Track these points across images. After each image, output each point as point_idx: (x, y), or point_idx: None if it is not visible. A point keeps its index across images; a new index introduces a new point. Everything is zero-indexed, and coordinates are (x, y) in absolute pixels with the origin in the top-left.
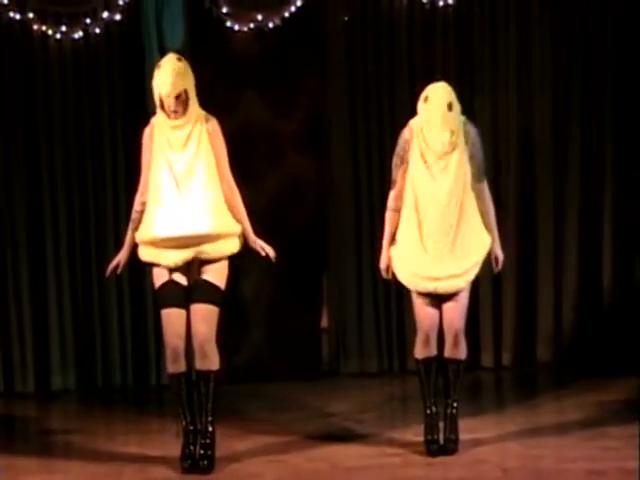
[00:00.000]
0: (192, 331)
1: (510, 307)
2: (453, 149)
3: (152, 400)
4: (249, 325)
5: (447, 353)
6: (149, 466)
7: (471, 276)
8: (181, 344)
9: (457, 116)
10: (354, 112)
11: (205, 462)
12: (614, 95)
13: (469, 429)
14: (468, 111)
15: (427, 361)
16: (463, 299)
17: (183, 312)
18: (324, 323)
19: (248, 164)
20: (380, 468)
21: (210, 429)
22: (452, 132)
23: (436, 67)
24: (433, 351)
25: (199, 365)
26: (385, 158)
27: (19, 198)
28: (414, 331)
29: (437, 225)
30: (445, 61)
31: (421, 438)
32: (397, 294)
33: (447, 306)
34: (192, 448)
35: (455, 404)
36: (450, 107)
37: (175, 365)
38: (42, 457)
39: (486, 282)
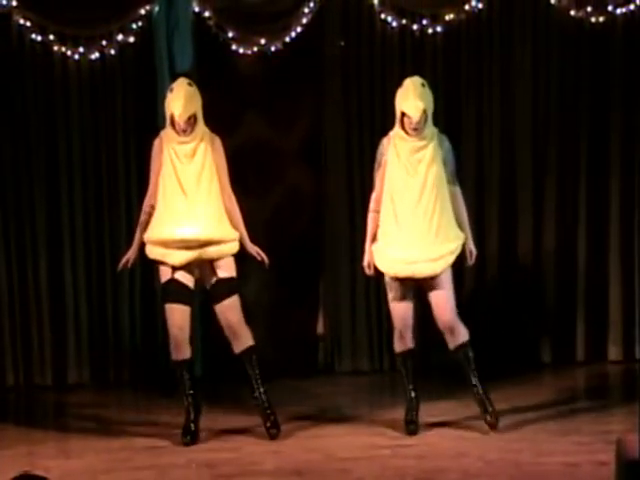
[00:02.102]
0: (224, 325)
1: (490, 312)
2: (425, 145)
3: (161, 393)
4: (251, 327)
5: (452, 345)
6: (158, 453)
7: (448, 262)
8: (181, 335)
9: (430, 99)
10: (349, 129)
11: (275, 431)
12: (589, 108)
13: (453, 424)
14: (455, 125)
15: (404, 354)
16: (448, 289)
17: (185, 308)
18: (320, 327)
19: (251, 178)
20: (371, 459)
21: (265, 398)
22: (424, 109)
23: None
24: (408, 344)
25: (238, 348)
26: (373, 173)
27: (39, 210)
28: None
29: (413, 213)
30: (434, 83)
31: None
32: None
33: (433, 297)
34: (192, 425)
35: (477, 383)
36: (423, 86)
37: (177, 352)
38: (59, 444)
39: (470, 290)
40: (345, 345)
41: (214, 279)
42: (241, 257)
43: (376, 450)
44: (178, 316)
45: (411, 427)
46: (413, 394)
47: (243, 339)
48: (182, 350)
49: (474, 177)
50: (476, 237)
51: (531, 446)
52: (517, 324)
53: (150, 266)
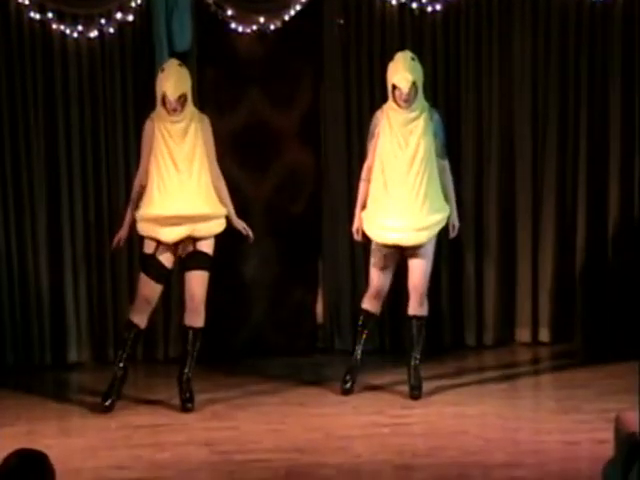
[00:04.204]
0: (188, 293)
1: (491, 292)
2: (417, 117)
3: (160, 373)
4: (251, 305)
5: (412, 311)
6: (157, 431)
7: (433, 233)
8: (145, 306)
9: (419, 72)
10: (349, 108)
11: (190, 405)
12: (589, 85)
13: (452, 403)
14: (454, 102)
15: (368, 313)
16: (427, 260)
17: (158, 286)
18: (320, 305)
19: (250, 156)
20: (370, 437)
21: (189, 377)
22: (413, 81)
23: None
24: (376, 308)
25: (192, 322)
26: (366, 143)
27: (39, 193)
28: (405, 310)
29: (402, 184)
30: (433, 60)
31: (410, 411)
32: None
33: (413, 264)
34: (114, 390)
35: (418, 356)
36: (413, 59)
37: (134, 315)
38: (59, 422)
39: (468, 269)
40: (345, 324)
41: (191, 249)
42: (240, 234)
43: (375, 428)
44: (149, 290)
45: (345, 386)
46: (358, 357)
47: (198, 316)
48: (140, 317)
49: (474, 154)
50: (475, 211)
51: (530, 424)
52: (516, 304)
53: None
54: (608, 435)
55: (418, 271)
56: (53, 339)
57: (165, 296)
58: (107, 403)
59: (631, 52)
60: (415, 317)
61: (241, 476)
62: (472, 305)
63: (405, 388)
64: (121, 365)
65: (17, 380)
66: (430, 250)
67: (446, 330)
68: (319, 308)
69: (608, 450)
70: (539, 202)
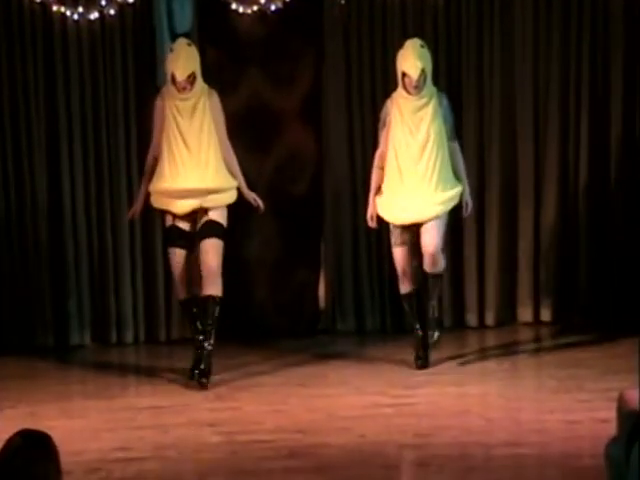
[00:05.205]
0: (203, 262)
1: (492, 272)
2: (426, 103)
3: (162, 354)
4: (253, 285)
5: (427, 269)
6: (160, 413)
7: (447, 207)
8: (176, 276)
9: (428, 59)
10: (349, 88)
11: (205, 380)
12: (590, 63)
13: (455, 383)
14: (455, 86)
15: (405, 296)
16: (439, 226)
17: (183, 252)
18: (322, 286)
19: (251, 137)
20: (373, 417)
21: (210, 349)
22: (423, 69)
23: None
24: (408, 287)
25: (209, 291)
26: (378, 132)
27: (39, 176)
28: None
29: (415, 169)
30: (434, 40)
31: (411, 392)
32: (390, 257)
33: (424, 229)
34: (205, 367)
35: (434, 303)
36: (422, 47)
37: (175, 293)
38: (62, 404)
39: (469, 250)
40: (347, 305)
41: (204, 220)
42: (242, 216)
43: (378, 409)
44: (175, 259)
45: (419, 362)
46: (420, 333)
47: (215, 285)
48: (178, 291)
49: (475, 135)
50: (477, 192)
51: (532, 404)
52: (518, 284)
53: (151, 225)
54: (610, 414)
55: (432, 232)
56: (55, 321)
57: (167, 277)
58: (204, 380)
59: (633, 22)
60: (430, 274)
61: (244, 456)
62: (473, 285)
63: (407, 368)
64: (201, 341)
65: (19, 362)
66: (441, 223)
67: (447, 311)
68: (321, 290)
69: (610, 429)
70: (540, 185)
